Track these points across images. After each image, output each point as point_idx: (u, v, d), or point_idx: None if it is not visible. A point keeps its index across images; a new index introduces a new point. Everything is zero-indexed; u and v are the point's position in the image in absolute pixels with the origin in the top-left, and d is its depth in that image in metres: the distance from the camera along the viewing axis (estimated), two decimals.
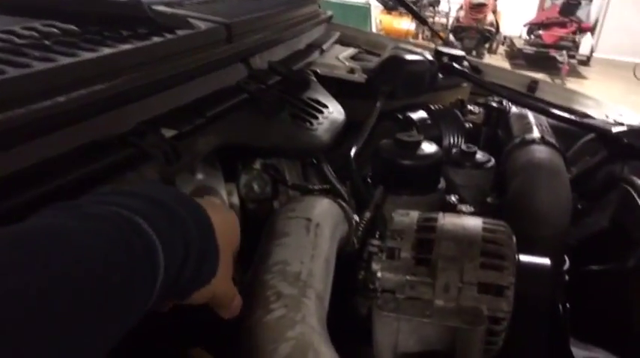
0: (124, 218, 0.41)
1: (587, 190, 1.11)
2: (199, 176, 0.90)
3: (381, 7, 7.32)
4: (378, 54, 1.43)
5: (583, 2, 8.84)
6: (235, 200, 0.95)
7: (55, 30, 0.77)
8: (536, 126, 1.16)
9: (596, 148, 1.22)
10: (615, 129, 1.22)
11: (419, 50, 1.39)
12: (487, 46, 8.31)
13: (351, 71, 1.27)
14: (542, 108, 1.26)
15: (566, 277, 0.91)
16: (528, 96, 1.57)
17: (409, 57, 1.33)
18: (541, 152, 1.03)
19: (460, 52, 1.50)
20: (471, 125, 1.38)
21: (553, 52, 8.29)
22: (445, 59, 1.39)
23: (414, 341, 0.70)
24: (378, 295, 0.71)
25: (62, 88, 0.62)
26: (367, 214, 0.87)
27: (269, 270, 0.65)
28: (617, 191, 1.00)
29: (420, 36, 8.56)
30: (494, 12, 8.14)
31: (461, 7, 8.02)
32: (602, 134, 1.22)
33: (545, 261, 0.74)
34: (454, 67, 1.39)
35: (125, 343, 0.67)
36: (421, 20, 1.96)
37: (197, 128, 0.80)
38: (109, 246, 0.38)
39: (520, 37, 9.27)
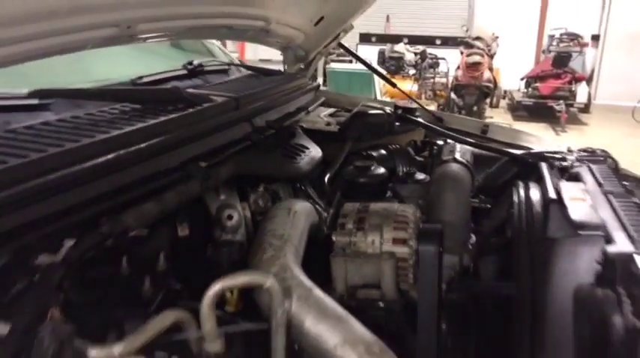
0: None
1: (492, 192, 1.56)
2: (222, 196, 1.38)
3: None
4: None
5: (575, 54, 9.12)
6: (247, 213, 1.42)
7: (115, 110, 1.25)
8: (457, 153, 1.62)
9: (509, 168, 1.68)
10: (521, 153, 1.68)
11: (380, 106, 1.89)
12: (488, 101, 8.60)
13: (328, 124, 1.76)
14: (469, 141, 1.73)
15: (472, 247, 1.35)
16: (469, 135, 2.04)
17: (371, 111, 1.82)
18: (451, 168, 1.50)
19: (414, 105, 1.99)
20: (422, 159, 1.84)
21: (551, 103, 8.54)
22: (399, 111, 1.88)
23: (358, 277, 1.15)
24: (334, 250, 1.16)
25: (128, 143, 1.09)
26: (331, 211, 1.33)
27: (264, 234, 1.12)
28: (509, 191, 1.45)
29: (423, 96, 9.07)
30: (491, 69, 8.46)
31: (458, 67, 8.42)
32: (512, 157, 1.68)
33: (437, 226, 1.19)
34: (406, 116, 1.87)
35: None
36: (389, 82, 2.48)
37: (219, 162, 1.29)
38: None
39: (519, 90, 9.59)
